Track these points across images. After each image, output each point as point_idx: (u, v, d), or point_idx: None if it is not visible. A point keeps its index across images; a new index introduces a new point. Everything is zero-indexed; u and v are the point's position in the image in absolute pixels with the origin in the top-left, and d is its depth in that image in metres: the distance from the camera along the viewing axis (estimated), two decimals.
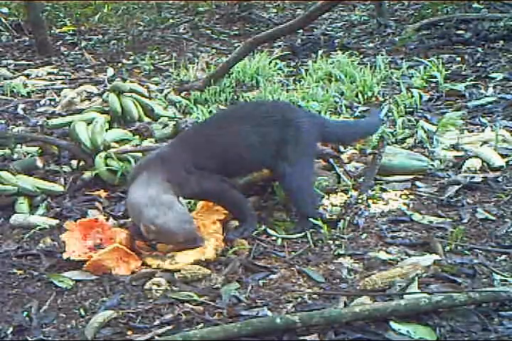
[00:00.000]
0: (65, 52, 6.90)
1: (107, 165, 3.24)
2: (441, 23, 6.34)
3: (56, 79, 5.68)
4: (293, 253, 2.51)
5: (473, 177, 2.97)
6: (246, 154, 2.68)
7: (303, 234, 2.61)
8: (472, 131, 3.57)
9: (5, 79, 5.68)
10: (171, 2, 9.68)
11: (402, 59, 5.25)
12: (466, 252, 2.39)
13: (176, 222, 2.41)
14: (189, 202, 2.90)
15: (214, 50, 6.61)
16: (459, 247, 2.42)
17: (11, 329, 2.11)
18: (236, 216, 2.73)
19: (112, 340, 2.03)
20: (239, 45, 5.24)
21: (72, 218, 2.90)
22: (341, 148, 3.36)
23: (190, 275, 2.33)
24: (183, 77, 5.16)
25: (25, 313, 2.20)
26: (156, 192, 2.46)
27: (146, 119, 3.96)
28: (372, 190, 2.94)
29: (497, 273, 2.21)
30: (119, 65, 6.22)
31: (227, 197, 2.68)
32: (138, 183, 2.53)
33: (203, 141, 2.68)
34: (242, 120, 2.74)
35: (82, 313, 2.19)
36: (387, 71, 4.74)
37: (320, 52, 5.28)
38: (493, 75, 4.57)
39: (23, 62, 6.51)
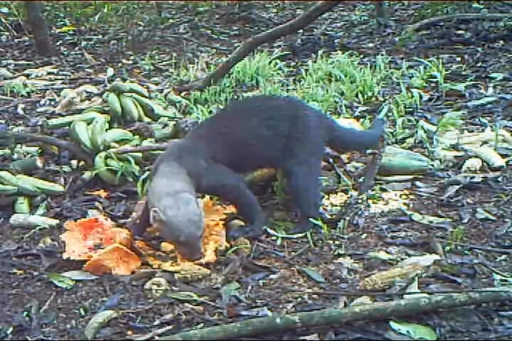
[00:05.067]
0: (65, 52, 6.90)
1: (107, 165, 3.24)
2: (441, 23, 6.35)
3: (56, 79, 5.68)
4: (293, 253, 2.51)
5: (473, 177, 2.98)
6: (255, 147, 2.69)
7: (303, 234, 2.61)
8: (472, 131, 3.57)
9: (5, 79, 5.68)
10: (171, 2, 9.69)
11: (402, 59, 5.26)
12: (466, 252, 2.39)
13: (184, 219, 2.36)
14: None
15: (214, 50, 6.61)
16: (459, 247, 2.42)
17: (11, 329, 2.11)
18: (245, 216, 2.72)
19: (112, 340, 2.03)
20: (239, 45, 5.24)
21: (72, 218, 2.89)
22: None
23: (190, 276, 2.33)
24: (183, 77, 5.16)
25: (25, 313, 2.20)
26: (180, 186, 2.45)
27: (146, 119, 3.96)
28: (372, 190, 2.94)
29: (497, 273, 2.21)
30: (119, 64, 6.22)
31: (242, 196, 2.67)
32: (162, 174, 2.52)
33: (216, 133, 2.69)
34: (253, 112, 2.75)
35: (82, 313, 2.18)
36: (387, 71, 4.74)
37: (320, 52, 5.28)
38: (493, 75, 4.58)
39: (23, 62, 6.51)
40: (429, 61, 4.73)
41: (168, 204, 2.38)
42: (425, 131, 3.50)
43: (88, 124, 3.54)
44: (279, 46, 6.31)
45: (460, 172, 3.08)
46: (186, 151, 2.61)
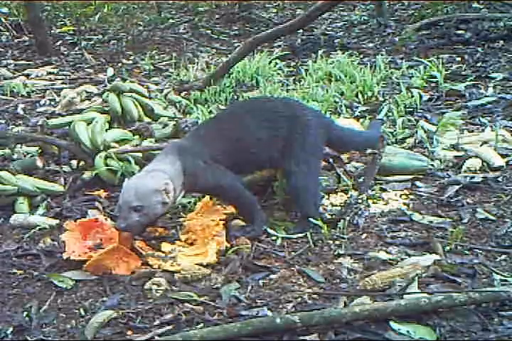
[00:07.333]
0: (65, 52, 6.90)
1: (106, 165, 3.24)
2: (441, 23, 6.35)
3: (56, 79, 5.68)
4: (293, 253, 2.51)
5: (473, 177, 2.98)
6: (255, 148, 2.69)
7: (303, 234, 2.61)
8: (472, 131, 3.57)
9: (5, 79, 5.68)
10: (171, 2, 9.69)
11: (402, 59, 5.26)
12: (466, 252, 2.39)
13: (130, 185, 2.44)
14: (189, 202, 2.90)
15: (214, 50, 6.61)
16: (459, 247, 2.42)
17: (10, 329, 2.11)
18: (245, 216, 2.72)
19: (112, 340, 2.03)
20: (239, 45, 5.24)
21: (72, 218, 2.89)
22: None
23: (190, 276, 2.33)
24: (183, 77, 5.16)
25: (25, 313, 2.20)
26: (158, 166, 2.51)
27: (146, 119, 3.95)
28: (372, 190, 2.94)
29: (497, 273, 2.20)
30: (119, 65, 6.22)
31: (241, 197, 2.67)
32: (153, 161, 2.60)
33: (215, 134, 2.69)
34: (252, 114, 2.75)
35: (82, 313, 2.18)
36: (387, 71, 4.74)
37: (320, 52, 5.28)
38: (493, 75, 4.58)
39: (23, 62, 6.51)
40: (429, 61, 4.73)
41: (136, 176, 2.50)
42: (425, 131, 3.50)
43: (88, 124, 3.54)
44: (279, 46, 6.32)
45: (460, 172, 3.08)
46: (185, 151, 2.61)
